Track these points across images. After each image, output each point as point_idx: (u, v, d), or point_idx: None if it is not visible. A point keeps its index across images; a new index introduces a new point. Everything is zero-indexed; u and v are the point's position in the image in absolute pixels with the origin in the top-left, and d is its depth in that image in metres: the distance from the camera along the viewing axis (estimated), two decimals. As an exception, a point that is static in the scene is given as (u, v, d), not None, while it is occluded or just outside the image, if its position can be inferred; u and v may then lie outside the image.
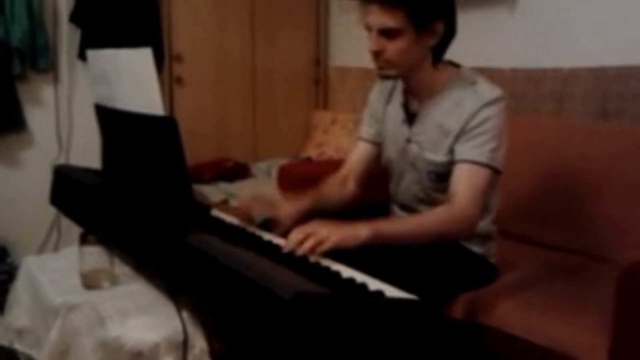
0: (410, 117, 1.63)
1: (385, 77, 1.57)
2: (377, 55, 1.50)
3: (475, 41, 2.60)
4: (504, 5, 2.54)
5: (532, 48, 2.45)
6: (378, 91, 1.77)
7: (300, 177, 2.46)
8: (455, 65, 1.60)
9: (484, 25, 2.63)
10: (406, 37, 1.46)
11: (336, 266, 1.28)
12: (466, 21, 2.65)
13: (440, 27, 1.49)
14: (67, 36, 2.94)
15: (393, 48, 1.47)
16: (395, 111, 1.68)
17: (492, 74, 2.32)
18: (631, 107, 2.11)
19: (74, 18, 2.91)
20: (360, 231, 1.35)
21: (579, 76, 2.27)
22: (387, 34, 1.46)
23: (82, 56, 2.88)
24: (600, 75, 2.20)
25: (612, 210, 1.90)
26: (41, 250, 2.99)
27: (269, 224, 1.59)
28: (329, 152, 3.25)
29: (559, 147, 2.07)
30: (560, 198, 2.02)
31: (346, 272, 1.25)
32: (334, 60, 3.60)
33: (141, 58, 1.39)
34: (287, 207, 1.62)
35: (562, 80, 2.32)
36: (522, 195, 2.11)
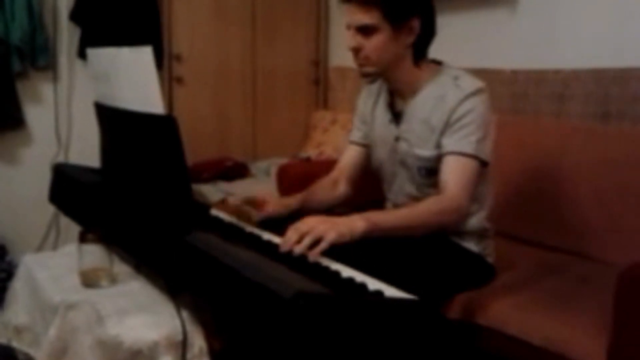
0: (397, 116, 1.65)
1: (365, 75, 1.60)
2: (355, 52, 1.54)
3: (475, 42, 2.61)
4: (505, 6, 2.54)
5: (532, 49, 2.45)
6: (365, 95, 1.79)
7: (300, 177, 2.46)
8: (438, 63, 1.62)
9: (484, 26, 2.63)
10: (382, 34, 1.50)
11: (336, 266, 1.28)
12: (466, 22, 2.67)
13: (416, 25, 1.52)
14: (66, 35, 2.94)
15: (370, 45, 1.51)
16: (382, 112, 1.70)
17: (492, 75, 2.33)
18: (631, 109, 2.12)
19: (74, 17, 2.91)
20: (356, 223, 1.34)
21: (580, 77, 2.27)
22: (364, 31, 1.51)
23: (81, 55, 2.88)
24: (600, 77, 2.20)
25: (611, 212, 1.90)
26: (40, 248, 2.98)
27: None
28: (329, 152, 3.25)
29: (559, 149, 2.07)
30: (559, 199, 2.02)
31: (345, 271, 1.25)
32: (334, 60, 3.60)
33: (142, 57, 1.39)
34: (275, 204, 1.63)
35: (562, 82, 2.32)
36: (521, 196, 2.11)
